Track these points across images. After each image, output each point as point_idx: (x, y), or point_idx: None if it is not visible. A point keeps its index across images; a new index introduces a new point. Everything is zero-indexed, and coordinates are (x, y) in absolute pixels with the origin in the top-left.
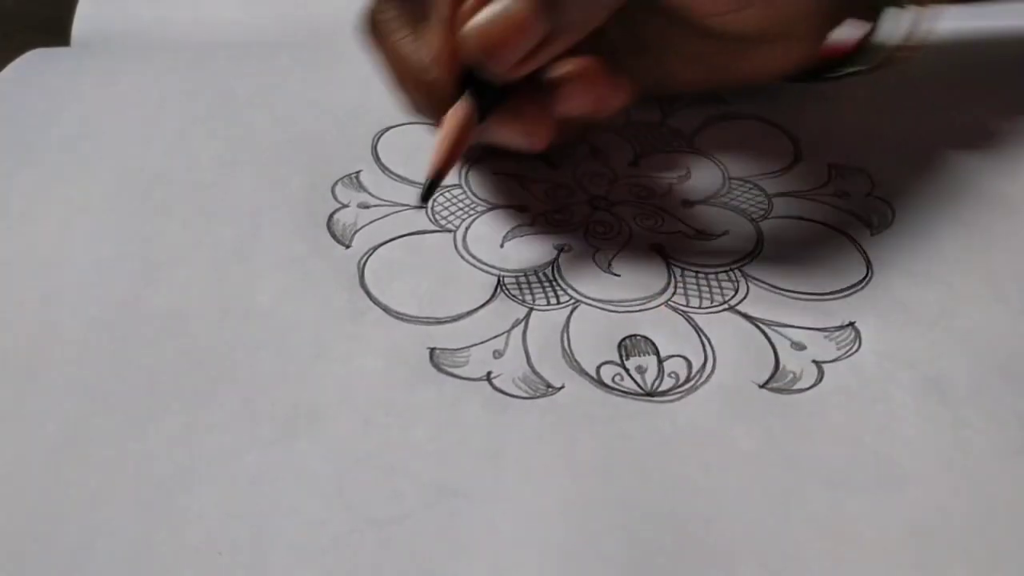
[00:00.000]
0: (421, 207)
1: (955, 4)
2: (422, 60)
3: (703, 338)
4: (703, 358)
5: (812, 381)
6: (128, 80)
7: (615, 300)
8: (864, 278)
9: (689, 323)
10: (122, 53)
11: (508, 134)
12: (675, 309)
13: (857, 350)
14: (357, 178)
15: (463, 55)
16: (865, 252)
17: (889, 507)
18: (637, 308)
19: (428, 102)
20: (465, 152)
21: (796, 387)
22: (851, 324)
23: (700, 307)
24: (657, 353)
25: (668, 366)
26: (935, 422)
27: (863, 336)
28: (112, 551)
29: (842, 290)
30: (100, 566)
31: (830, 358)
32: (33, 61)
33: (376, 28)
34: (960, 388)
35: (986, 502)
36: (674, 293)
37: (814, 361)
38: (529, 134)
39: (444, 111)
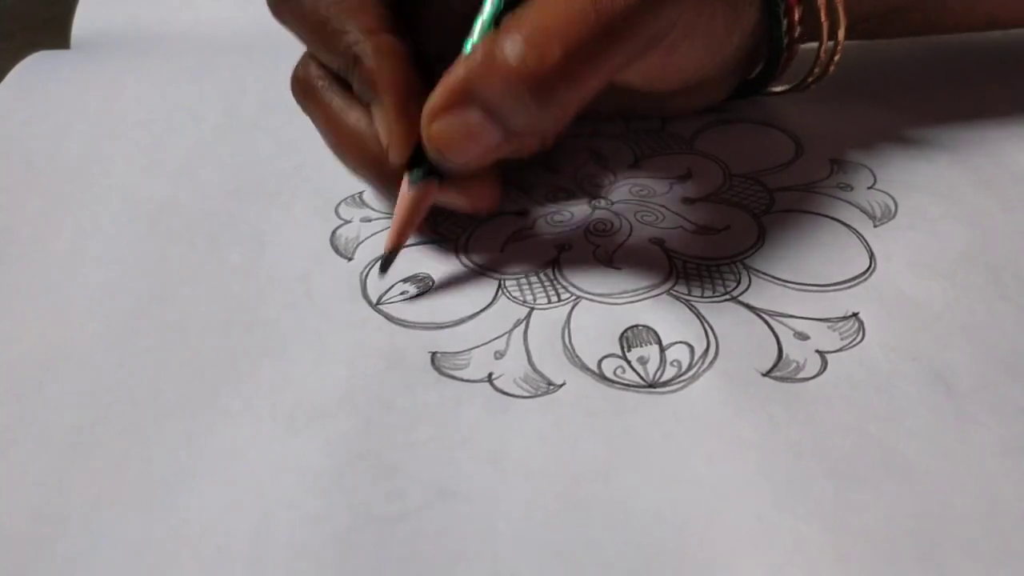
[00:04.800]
0: (381, 276)
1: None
2: (361, 131)
3: (705, 324)
4: (705, 343)
5: (816, 371)
6: (132, 94)
7: (616, 292)
8: (867, 269)
9: (691, 310)
10: (124, 60)
11: (454, 202)
12: (677, 297)
13: (861, 341)
14: (360, 198)
15: (425, 146)
16: (868, 243)
17: (893, 498)
18: (639, 298)
19: (370, 171)
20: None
21: (799, 376)
22: (855, 315)
23: (702, 296)
24: (659, 342)
25: (670, 354)
26: (940, 415)
27: (867, 327)
28: (114, 549)
29: (845, 281)
30: (102, 564)
31: (834, 348)
32: (35, 68)
33: (310, 91)
34: (965, 382)
35: (990, 496)
36: (675, 283)
37: (818, 351)
38: (474, 205)
39: (387, 179)
